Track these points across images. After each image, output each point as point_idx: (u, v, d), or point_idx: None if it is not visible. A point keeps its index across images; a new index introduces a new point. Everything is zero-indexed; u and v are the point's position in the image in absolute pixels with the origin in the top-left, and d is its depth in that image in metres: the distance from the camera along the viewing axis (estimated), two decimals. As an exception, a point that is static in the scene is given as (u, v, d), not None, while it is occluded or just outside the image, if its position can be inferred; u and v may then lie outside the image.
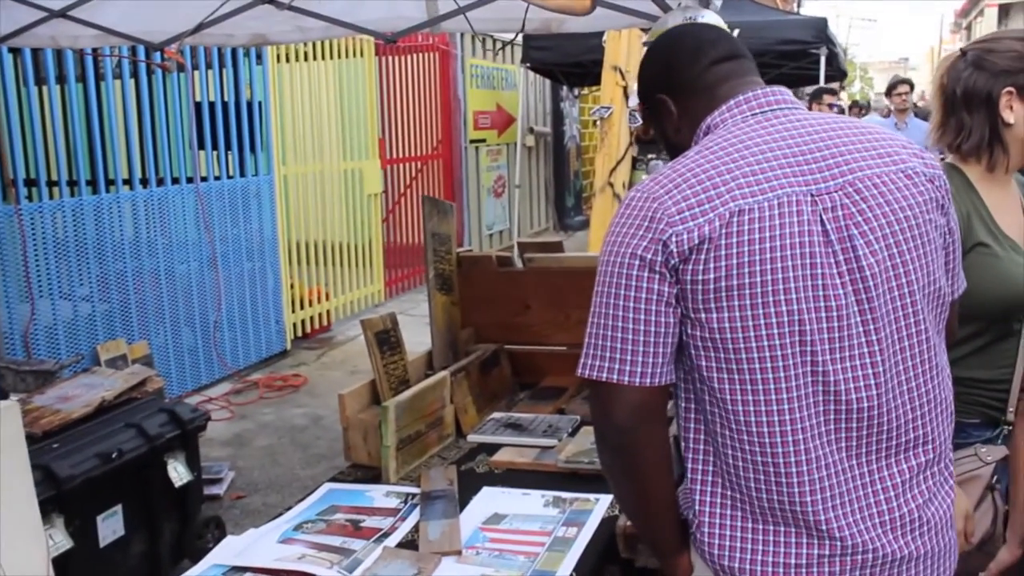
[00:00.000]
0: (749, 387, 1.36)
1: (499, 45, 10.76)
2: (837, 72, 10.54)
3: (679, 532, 1.51)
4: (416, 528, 2.12)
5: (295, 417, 5.43)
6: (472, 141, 10.17)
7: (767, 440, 1.37)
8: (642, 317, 1.36)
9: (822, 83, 9.12)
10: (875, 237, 1.36)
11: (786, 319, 1.34)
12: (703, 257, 1.33)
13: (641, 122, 10.84)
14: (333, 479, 2.54)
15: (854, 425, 1.38)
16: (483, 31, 2.96)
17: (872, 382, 1.37)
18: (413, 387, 2.61)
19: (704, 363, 1.39)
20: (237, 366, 6.25)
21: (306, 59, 7.01)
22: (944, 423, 1.47)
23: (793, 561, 1.39)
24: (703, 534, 1.45)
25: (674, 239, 1.33)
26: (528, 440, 2.66)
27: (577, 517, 2.15)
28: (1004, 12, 42.68)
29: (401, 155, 8.90)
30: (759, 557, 1.41)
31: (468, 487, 2.37)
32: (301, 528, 2.17)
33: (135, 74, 5.49)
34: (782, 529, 1.40)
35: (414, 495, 2.34)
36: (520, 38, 10.05)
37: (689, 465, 1.47)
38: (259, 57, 6.38)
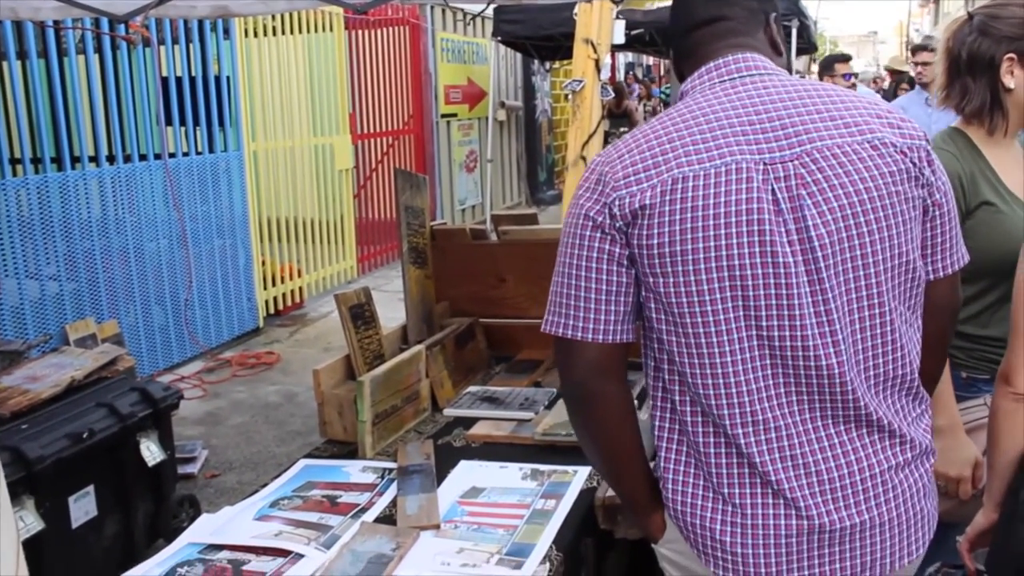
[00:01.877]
0: (695, 350, 1.39)
1: (469, 18, 10.67)
2: (808, 44, 10.56)
3: (650, 489, 1.54)
4: (394, 503, 2.11)
5: (269, 395, 5.39)
6: (443, 116, 10.09)
7: (715, 403, 1.40)
8: (594, 276, 1.41)
9: (793, 56, 9.11)
10: (828, 208, 1.35)
11: (728, 284, 1.35)
12: (646, 223, 1.36)
13: (613, 95, 10.83)
14: (309, 455, 2.52)
15: (804, 390, 1.39)
16: (450, 1, 2.91)
17: (823, 351, 1.36)
18: (388, 361, 2.59)
19: (658, 326, 1.43)
20: (209, 344, 6.20)
21: (275, 33, 6.91)
22: (900, 399, 1.46)
23: (749, 521, 1.42)
24: (668, 491, 1.49)
25: (617, 203, 1.38)
26: (505, 413, 2.65)
27: (555, 489, 2.15)
28: (971, -15, 42.91)
29: (372, 130, 8.81)
30: (719, 516, 1.44)
31: (445, 461, 2.35)
32: (277, 505, 2.14)
33: (99, 48, 5.38)
34: (736, 491, 1.42)
35: (391, 470, 2.32)
36: (491, 11, 9.98)
37: (656, 424, 1.50)
38: (227, 31, 6.28)
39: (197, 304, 6.08)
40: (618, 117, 13.38)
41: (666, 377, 1.46)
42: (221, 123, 6.28)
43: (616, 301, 1.42)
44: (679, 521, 1.48)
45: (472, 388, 2.89)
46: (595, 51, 8.50)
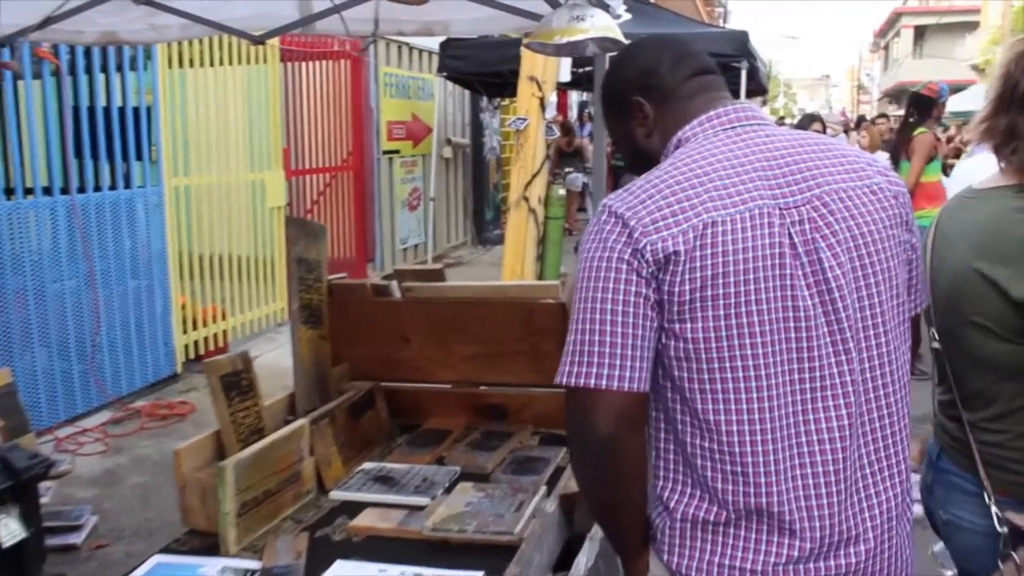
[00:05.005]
0: (721, 396, 1.38)
1: (416, 53, 10.44)
2: (758, 87, 10.47)
3: (644, 532, 1.53)
4: (244, 621, 1.78)
5: (177, 450, 4.99)
6: (385, 152, 9.80)
7: (738, 450, 1.38)
8: (631, 320, 1.36)
9: (743, 98, 8.98)
10: (841, 249, 1.39)
11: (758, 329, 1.35)
12: (678, 269, 1.34)
13: (558, 134, 10.64)
14: (165, 549, 2.18)
15: (826, 437, 1.39)
16: (357, 32, 2.63)
17: (840, 391, 1.39)
18: (261, 441, 2.26)
19: (677, 372, 1.40)
20: (119, 393, 5.78)
21: (201, 65, 6.57)
22: (903, 439, 1.49)
23: (761, 562, 1.40)
24: (664, 535, 1.47)
25: (648, 248, 1.35)
26: (397, 498, 2.34)
27: (437, 604, 1.83)
28: (919, 33, 43.88)
29: (308, 166, 8.49)
30: (716, 560, 1.42)
31: (320, 559, 2.04)
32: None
33: None
34: (752, 534, 1.40)
35: (254, 572, 2.00)
36: (437, 46, 9.76)
37: (660, 465, 1.48)
38: (148, 60, 5.94)
39: (107, 349, 5.67)
40: (569, 155, 13.21)
41: (677, 425, 1.43)
42: (139, 157, 5.92)
43: (647, 347, 1.38)
44: (671, 567, 1.47)
45: (366, 465, 2.57)
46: (540, 89, 8.36)
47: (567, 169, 12.46)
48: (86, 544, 3.87)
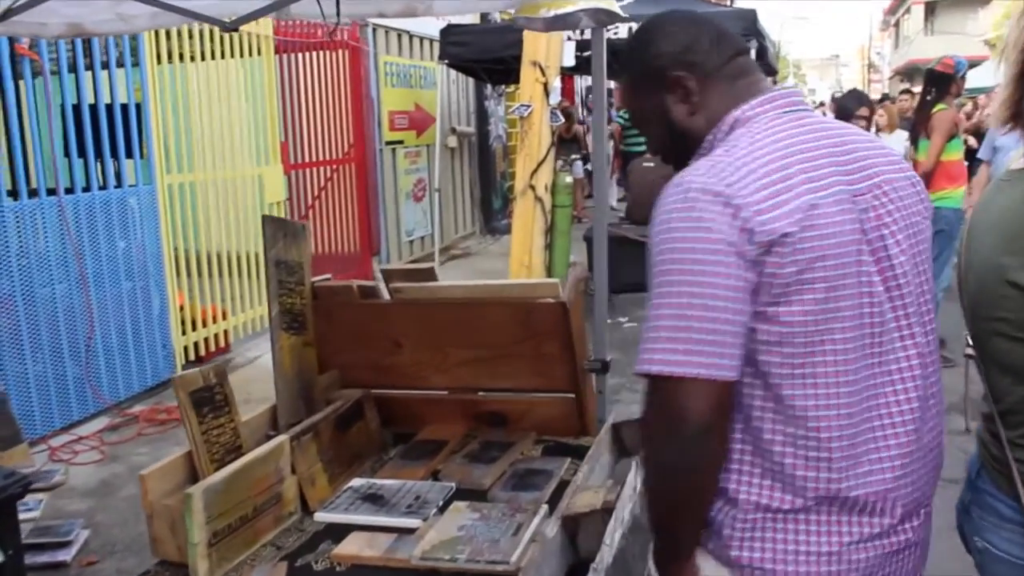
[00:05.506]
0: (811, 380, 1.35)
1: (416, 41, 10.23)
2: (767, 67, 10.20)
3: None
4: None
5: (174, 457, 4.83)
6: (388, 143, 9.60)
7: (824, 435, 1.36)
8: (730, 306, 1.30)
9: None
10: (902, 237, 1.41)
11: (844, 315, 1.35)
12: (785, 250, 1.30)
13: (563, 120, 10.42)
14: (133, 583, 2.01)
15: (898, 420, 1.41)
16: (333, 16, 2.43)
17: (908, 375, 1.42)
18: (236, 461, 2.08)
19: (764, 357, 1.36)
20: (117, 398, 5.62)
21: (192, 59, 6.38)
22: (943, 415, 1.54)
23: (836, 543, 1.39)
24: (730, 530, 1.42)
25: (759, 228, 1.29)
26: (386, 520, 2.16)
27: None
28: (930, 9, 43.29)
29: (308, 159, 8.30)
30: (791, 547, 1.39)
31: (300, 593, 1.86)
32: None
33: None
34: (827, 517, 1.39)
35: (226, 609, 1.81)
36: (437, 33, 9.55)
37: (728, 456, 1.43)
38: (135, 57, 5.75)
39: (102, 353, 5.51)
40: (567, 142, 12.97)
41: (753, 411, 1.40)
42: (129, 155, 5.74)
43: (743, 333, 1.33)
44: (733, 560, 1.42)
45: (355, 482, 2.39)
46: (543, 74, 8.14)
47: (573, 156, 12.22)
48: (76, 561, 3.71)
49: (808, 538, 1.39)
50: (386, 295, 2.61)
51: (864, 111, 6.23)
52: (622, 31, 8.61)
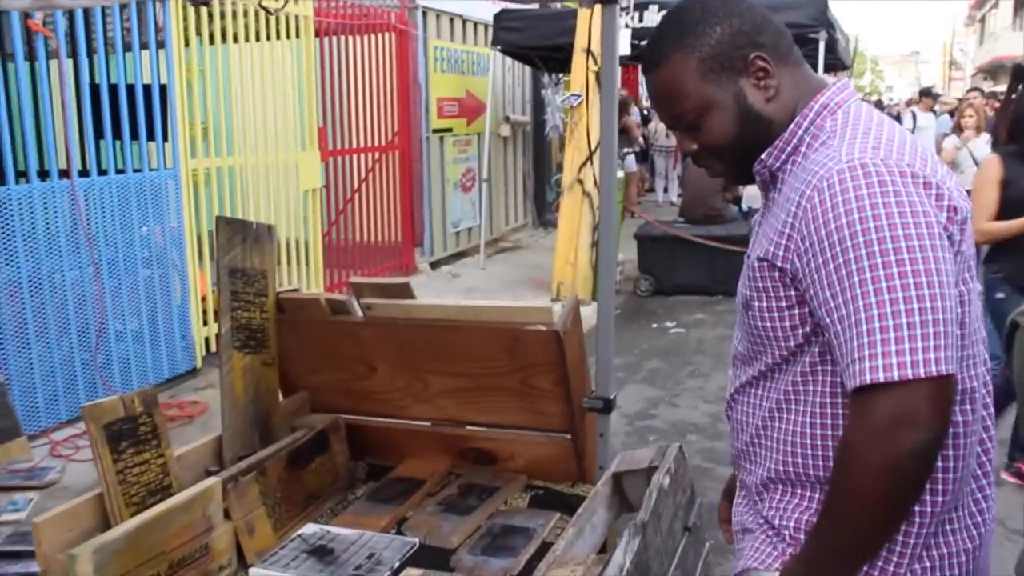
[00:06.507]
0: (971, 361, 1.30)
1: (468, 26, 9.88)
2: (837, 61, 9.65)
3: None
4: None
5: (177, 458, 4.58)
6: (436, 131, 9.28)
7: (971, 416, 1.30)
8: (951, 292, 1.21)
9: (820, 71, 8.20)
10: (967, 232, 1.32)
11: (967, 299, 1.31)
12: (968, 228, 1.28)
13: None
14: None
15: (982, 415, 1.35)
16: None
17: (987, 379, 1.36)
18: (148, 510, 1.76)
19: None
20: (129, 390, 5.39)
21: (224, 41, 6.12)
22: None
23: (963, 539, 1.33)
24: (904, 546, 1.32)
25: (957, 207, 1.25)
26: (327, 585, 1.82)
27: None
28: (1021, 4, 41.53)
29: (349, 146, 8.01)
30: (941, 551, 1.32)
31: None
32: None
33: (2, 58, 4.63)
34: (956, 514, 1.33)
35: None
36: (491, 18, 9.20)
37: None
38: (161, 39, 5.50)
39: (115, 343, 5.29)
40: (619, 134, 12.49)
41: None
42: (151, 138, 5.50)
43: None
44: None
45: (307, 529, 2.06)
46: (596, 62, 7.72)
47: (625, 150, 11.76)
48: (49, 574, 3.46)
49: (945, 538, 1.32)
50: (358, 312, 2.27)
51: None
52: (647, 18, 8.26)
